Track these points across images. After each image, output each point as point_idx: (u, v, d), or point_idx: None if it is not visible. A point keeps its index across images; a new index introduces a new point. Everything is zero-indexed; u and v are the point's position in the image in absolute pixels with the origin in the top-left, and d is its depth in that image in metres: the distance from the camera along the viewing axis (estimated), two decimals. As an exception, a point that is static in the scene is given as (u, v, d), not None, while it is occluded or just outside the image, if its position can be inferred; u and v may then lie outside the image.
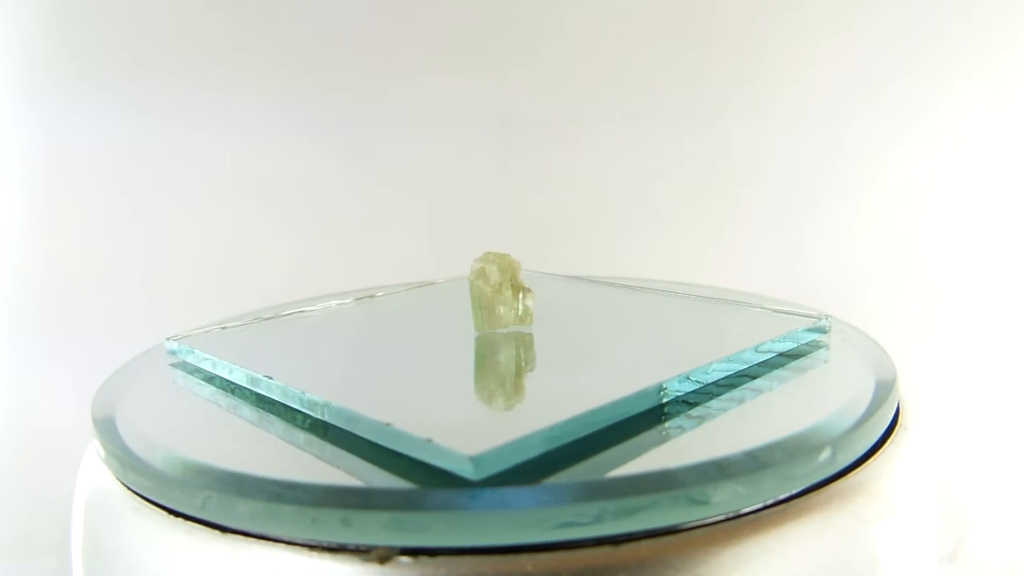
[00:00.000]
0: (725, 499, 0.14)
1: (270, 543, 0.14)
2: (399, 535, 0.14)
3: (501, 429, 0.16)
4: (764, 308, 0.25)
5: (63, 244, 0.43)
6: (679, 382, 0.19)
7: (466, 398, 0.20)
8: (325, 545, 0.14)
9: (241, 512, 0.15)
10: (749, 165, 0.43)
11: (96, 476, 0.18)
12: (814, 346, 0.23)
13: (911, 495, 0.18)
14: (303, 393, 0.18)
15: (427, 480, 0.15)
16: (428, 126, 0.43)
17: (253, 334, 0.25)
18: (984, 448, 0.42)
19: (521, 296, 0.24)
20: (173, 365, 0.23)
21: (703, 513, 0.14)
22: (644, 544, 0.14)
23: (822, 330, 0.23)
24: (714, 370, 0.20)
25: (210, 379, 0.22)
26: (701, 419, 0.18)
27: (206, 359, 0.22)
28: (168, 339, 0.24)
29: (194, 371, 0.22)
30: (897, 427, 0.19)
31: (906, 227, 0.42)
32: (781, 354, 0.22)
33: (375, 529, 0.14)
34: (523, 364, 0.22)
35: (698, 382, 0.19)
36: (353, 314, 0.27)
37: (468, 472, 0.14)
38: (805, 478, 0.16)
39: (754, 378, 0.20)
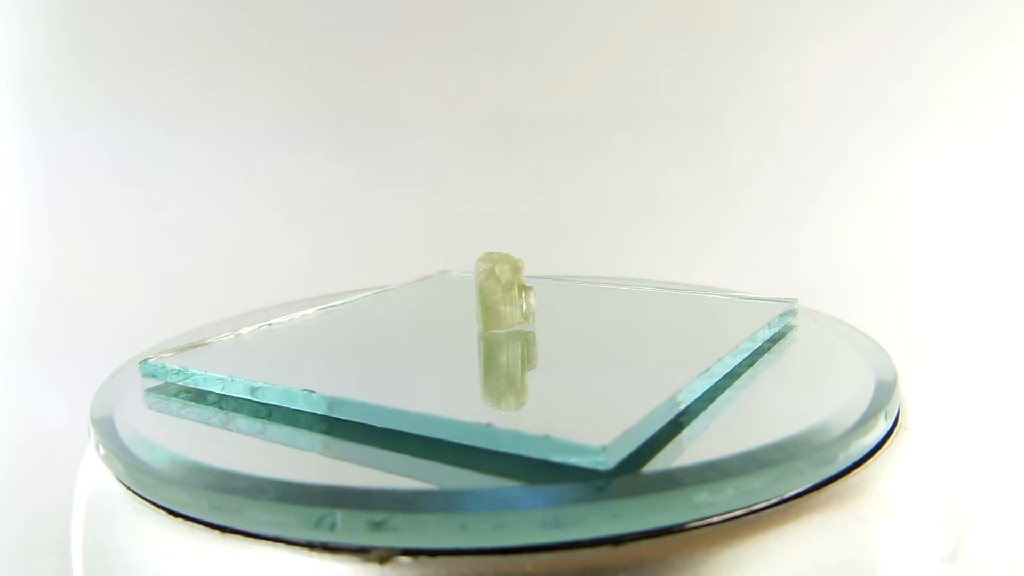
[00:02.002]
0: (729, 498, 0.15)
1: (270, 543, 0.14)
2: (551, 533, 0.14)
3: (585, 422, 0.16)
4: (733, 297, 0.27)
5: (64, 245, 0.43)
6: (702, 379, 0.19)
7: (517, 397, 0.19)
8: (325, 545, 0.14)
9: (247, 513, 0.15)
10: (749, 165, 0.43)
11: (96, 476, 0.18)
12: (788, 328, 0.25)
13: (911, 495, 0.18)
14: (372, 403, 0.17)
15: (530, 476, 0.15)
16: (427, 126, 0.43)
17: (235, 348, 0.23)
18: (984, 448, 0.42)
19: (524, 295, 0.24)
20: (151, 390, 0.21)
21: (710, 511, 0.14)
22: (644, 544, 0.14)
23: (793, 312, 0.26)
24: (726, 363, 0.20)
25: (202, 397, 0.20)
26: (715, 415, 0.18)
27: (195, 375, 0.20)
28: (143, 362, 0.21)
29: (180, 393, 0.21)
30: (897, 427, 0.19)
31: (905, 227, 0.42)
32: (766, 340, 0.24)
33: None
34: (549, 363, 0.22)
35: (716, 375, 0.20)
36: (327, 323, 0.26)
37: (600, 463, 0.14)
38: (809, 476, 0.16)
39: (750, 366, 0.21)
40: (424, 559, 0.14)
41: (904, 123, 0.41)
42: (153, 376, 0.21)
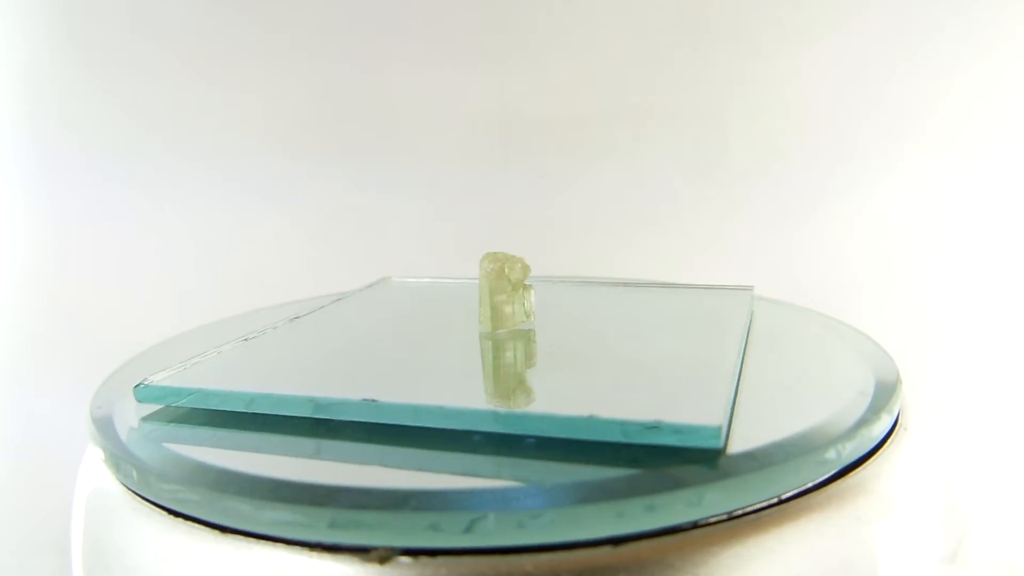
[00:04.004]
0: (725, 499, 0.15)
1: (270, 543, 0.14)
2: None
3: (652, 413, 0.16)
4: (698, 287, 0.28)
5: (64, 245, 0.43)
6: (734, 371, 0.19)
7: (554, 391, 0.19)
8: (325, 545, 0.14)
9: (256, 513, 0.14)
10: (749, 165, 0.43)
11: (96, 476, 0.18)
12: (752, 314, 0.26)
13: (911, 495, 0.18)
14: (453, 407, 0.17)
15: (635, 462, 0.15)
16: (428, 126, 0.43)
17: (226, 363, 0.21)
18: (984, 448, 0.42)
19: (525, 295, 0.24)
20: (148, 418, 0.19)
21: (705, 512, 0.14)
22: (644, 544, 0.14)
23: (753, 300, 0.27)
24: (740, 353, 0.21)
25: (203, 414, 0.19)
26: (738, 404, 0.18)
27: (197, 393, 0.19)
28: (138, 386, 0.20)
29: (184, 417, 0.19)
30: (897, 427, 0.19)
31: (905, 227, 0.42)
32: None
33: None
34: (568, 361, 0.22)
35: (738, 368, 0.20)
36: (308, 332, 0.25)
37: (714, 442, 0.15)
38: (808, 477, 0.16)
39: (745, 355, 0.22)
40: (424, 559, 0.14)
41: (904, 123, 0.41)
42: (151, 400, 0.20)
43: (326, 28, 0.42)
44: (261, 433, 0.18)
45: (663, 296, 0.28)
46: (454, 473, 0.16)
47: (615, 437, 0.16)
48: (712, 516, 0.14)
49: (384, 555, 0.14)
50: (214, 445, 0.18)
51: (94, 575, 0.18)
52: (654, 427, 0.15)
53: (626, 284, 0.30)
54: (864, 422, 0.17)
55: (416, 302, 0.29)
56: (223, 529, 0.15)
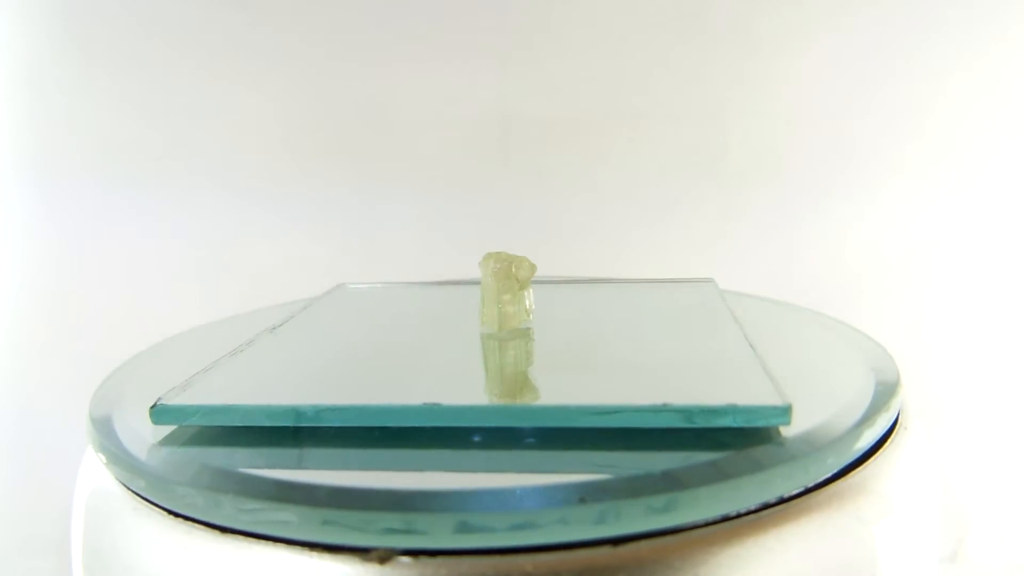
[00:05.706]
0: (725, 499, 0.15)
1: (270, 543, 0.14)
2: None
3: (700, 394, 0.17)
4: (667, 281, 0.29)
5: (64, 244, 0.43)
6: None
7: (598, 387, 0.19)
8: (325, 545, 0.14)
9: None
10: (749, 165, 0.43)
11: (96, 476, 0.18)
12: None
13: (911, 495, 0.18)
14: (519, 405, 0.17)
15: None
16: (427, 126, 0.43)
17: (227, 375, 0.20)
18: (984, 448, 0.42)
19: (526, 294, 0.23)
20: (163, 442, 0.18)
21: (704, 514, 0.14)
22: (644, 544, 0.14)
23: (719, 290, 0.28)
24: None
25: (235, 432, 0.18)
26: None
27: (217, 410, 0.18)
28: (153, 408, 0.18)
29: (209, 438, 0.18)
30: (897, 427, 0.19)
31: (905, 226, 0.42)
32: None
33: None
34: (585, 359, 0.21)
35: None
36: (298, 340, 0.24)
37: (784, 419, 0.16)
38: (807, 478, 0.16)
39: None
40: (424, 559, 0.14)
41: (905, 124, 0.41)
42: (168, 422, 0.18)
43: (328, 29, 0.42)
44: (260, 435, 0.18)
45: (631, 291, 0.29)
46: (450, 472, 0.16)
47: (678, 423, 0.16)
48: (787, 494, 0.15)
49: (384, 555, 0.14)
50: (215, 446, 0.18)
51: (94, 575, 0.18)
52: (729, 411, 0.16)
53: (592, 281, 0.31)
54: (865, 421, 0.17)
55: (393, 306, 0.29)
56: (223, 529, 0.15)
